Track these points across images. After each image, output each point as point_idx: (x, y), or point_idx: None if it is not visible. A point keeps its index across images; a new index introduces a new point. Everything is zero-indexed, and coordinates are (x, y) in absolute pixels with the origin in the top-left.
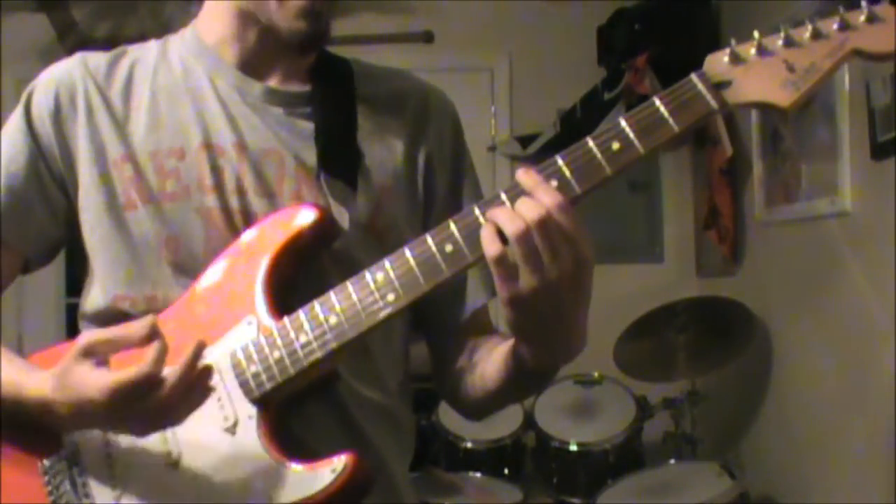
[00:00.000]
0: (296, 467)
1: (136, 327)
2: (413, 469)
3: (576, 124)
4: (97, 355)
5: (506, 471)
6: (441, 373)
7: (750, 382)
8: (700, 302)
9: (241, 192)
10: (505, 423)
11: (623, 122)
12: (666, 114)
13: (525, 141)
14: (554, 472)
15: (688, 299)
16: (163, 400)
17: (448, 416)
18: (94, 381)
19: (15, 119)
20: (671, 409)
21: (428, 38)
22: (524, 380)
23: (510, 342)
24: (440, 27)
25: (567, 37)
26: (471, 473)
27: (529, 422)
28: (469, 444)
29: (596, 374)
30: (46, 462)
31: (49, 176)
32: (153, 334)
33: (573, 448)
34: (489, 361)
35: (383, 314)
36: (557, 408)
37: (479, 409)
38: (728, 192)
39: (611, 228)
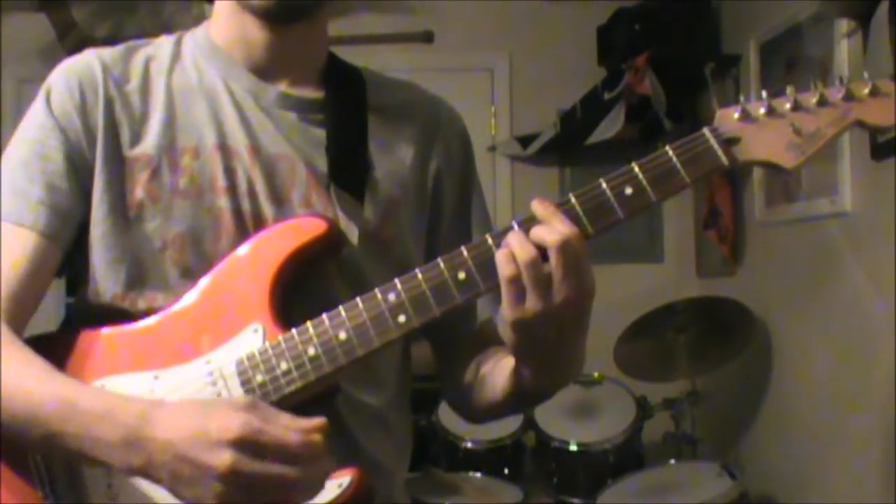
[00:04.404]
0: None
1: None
2: (413, 469)
3: (576, 124)
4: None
5: (506, 471)
6: (448, 379)
7: (750, 382)
8: (700, 302)
9: (252, 195)
10: (505, 423)
11: (636, 169)
12: (678, 165)
13: (525, 141)
14: (554, 472)
15: (688, 299)
16: (281, 477)
17: (448, 417)
18: (246, 418)
19: (38, 118)
20: (671, 409)
21: (428, 38)
22: (524, 397)
23: (513, 360)
24: (440, 27)
25: (567, 37)
26: (471, 473)
27: (529, 422)
28: (469, 445)
29: (596, 374)
30: (38, 457)
31: (83, 170)
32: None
33: (573, 448)
34: (495, 377)
35: (394, 334)
36: (557, 408)
37: (483, 417)
38: (728, 192)
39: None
